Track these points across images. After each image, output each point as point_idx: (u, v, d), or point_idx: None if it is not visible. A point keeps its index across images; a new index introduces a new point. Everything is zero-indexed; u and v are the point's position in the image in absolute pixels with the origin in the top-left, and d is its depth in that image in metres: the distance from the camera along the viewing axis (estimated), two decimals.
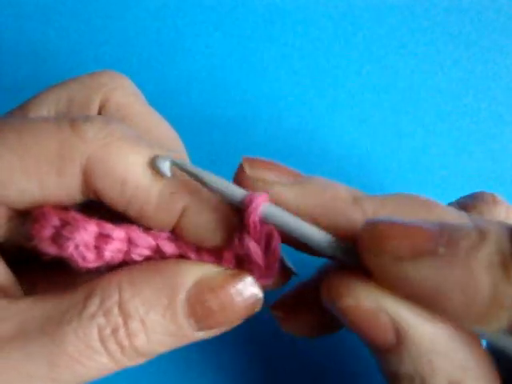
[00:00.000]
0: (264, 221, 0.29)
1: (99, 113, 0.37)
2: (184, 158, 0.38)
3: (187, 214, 0.30)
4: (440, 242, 0.25)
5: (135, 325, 0.28)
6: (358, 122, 0.52)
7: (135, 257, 0.30)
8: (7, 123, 0.30)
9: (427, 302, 0.26)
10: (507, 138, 0.51)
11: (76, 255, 0.29)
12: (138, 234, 0.30)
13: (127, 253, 0.30)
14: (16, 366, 0.27)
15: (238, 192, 0.29)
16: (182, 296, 0.29)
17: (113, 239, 0.29)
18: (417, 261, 0.25)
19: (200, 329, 0.29)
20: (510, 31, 0.54)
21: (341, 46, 0.54)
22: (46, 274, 0.34)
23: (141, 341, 0.29)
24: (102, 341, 0.28)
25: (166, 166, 0.29)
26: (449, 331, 0.27)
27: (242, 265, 0.30)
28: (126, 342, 0.28)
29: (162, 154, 0.30)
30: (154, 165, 0.29)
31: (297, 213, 0.29)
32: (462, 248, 0.25)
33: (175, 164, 0.29)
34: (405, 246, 0.25)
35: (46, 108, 0.37)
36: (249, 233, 0.29)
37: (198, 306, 0.29)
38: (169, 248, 0.30)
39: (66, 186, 0.29)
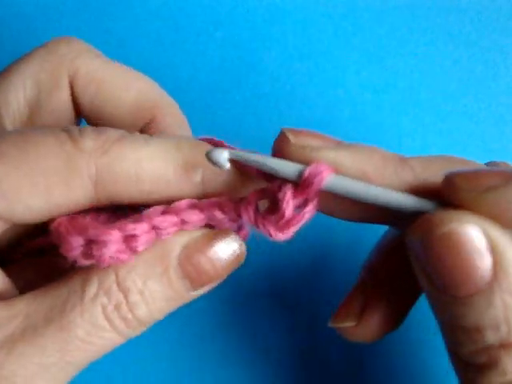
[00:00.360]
0: (330, 190, 0.29)
1: (71, 87, 0.37)
2: (176, 108, 0.39)
3: (207, 180, 0.31)
4: None
5: (135, 297, 0.30)
6: (358, 122, 0.52)
7: (166, 236, 0.31)
8: (5, 140, 0.30)
9: None
10: (507, 137, 0.51)
11: (113, 262, 0.30)
12: (159, 219, 0.30)
13: (158, 237, 0.31)
14: (31, 359, 0.28)
15: (296, 167, 0.29)
16: (173, 262, 0.30)
17: (139, 236, 0.30)
18: (510, 184, 0.26)
19: (194, 288, 0.31)
20: (510, 31, 0.54)
21: (341, 46, 0.54)
22: (33, 267, 0.34)
23: (142, 311, 0.30)
24: (108, 318, 0.29)
25: (223, 158, 0.30)
26: None
27: (261, 219, 0.30)
28: (129, 315, 0.30)
29: (160, 141, 0.31)
30: (210, 159, 0.30)
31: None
32: None
33: (232, 154, 0.30)
34: (495, 177, 0.27)
35: (13, 95, 0.36)
36: (294, 186, 0.29)
37: (190, 267, 0.30)
38: (193, 215, 0.31)
39: (74, 198, 0.30)
